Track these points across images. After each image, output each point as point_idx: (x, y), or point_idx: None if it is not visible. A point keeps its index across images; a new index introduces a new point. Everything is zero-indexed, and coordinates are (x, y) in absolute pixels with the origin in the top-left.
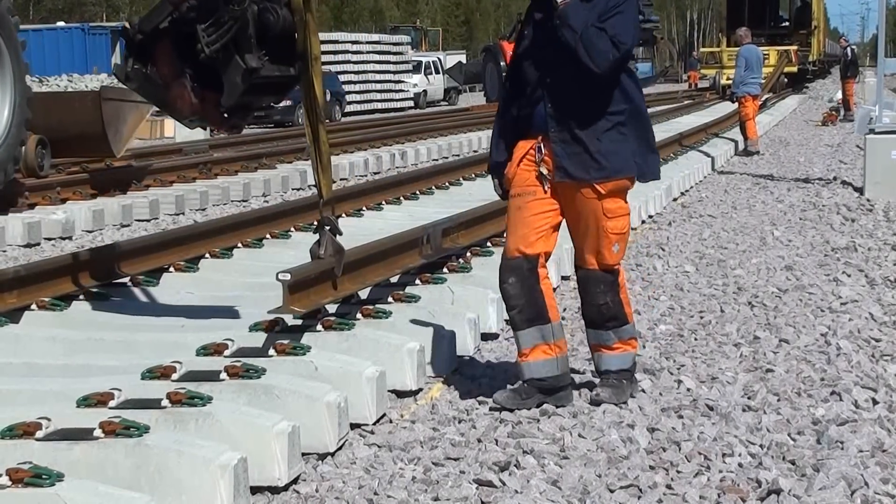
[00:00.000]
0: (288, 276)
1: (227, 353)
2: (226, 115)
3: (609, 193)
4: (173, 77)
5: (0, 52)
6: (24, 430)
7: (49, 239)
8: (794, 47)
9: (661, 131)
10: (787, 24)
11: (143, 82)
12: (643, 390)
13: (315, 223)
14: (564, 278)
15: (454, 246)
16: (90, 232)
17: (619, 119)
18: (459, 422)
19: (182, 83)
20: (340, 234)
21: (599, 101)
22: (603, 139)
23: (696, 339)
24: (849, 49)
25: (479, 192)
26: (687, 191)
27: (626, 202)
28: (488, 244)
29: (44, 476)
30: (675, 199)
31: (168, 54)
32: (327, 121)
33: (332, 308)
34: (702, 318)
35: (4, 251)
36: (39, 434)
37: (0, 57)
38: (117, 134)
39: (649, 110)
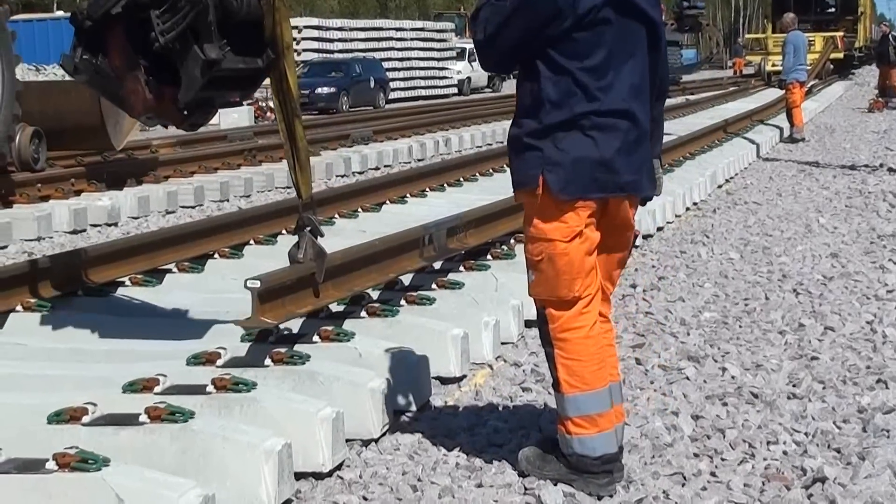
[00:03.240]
0: (258, 284)
1: (271, 339)
2: (185, 112)
3: (525, 206)
4: (126, 69)
5: None
6: (70, 415)
7: (95, 225)
8: (841, 33)
9: (707, 118)
10: (833, 9)
11: (94, 75)
12: (687, 378)
13: (322, 221)
14: None
15: (461, 246)
16: (135, 218)
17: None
18: (503, 409)
19: (136, 77)
20: (321, 235)
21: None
22: (511, 147)
23: (740, 327)
24: (891, 35)
25: None
26: (732, 178)
27: (545, 223)
28: (512, 240)
29: (90, 461)
30: (719, 186)
31: (121, 44)
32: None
33: (374, 294)
34: (746, 305)
35: (51, 237)
36: (86, 419)
37: None
38: (117, 126)
39: (694, 97)
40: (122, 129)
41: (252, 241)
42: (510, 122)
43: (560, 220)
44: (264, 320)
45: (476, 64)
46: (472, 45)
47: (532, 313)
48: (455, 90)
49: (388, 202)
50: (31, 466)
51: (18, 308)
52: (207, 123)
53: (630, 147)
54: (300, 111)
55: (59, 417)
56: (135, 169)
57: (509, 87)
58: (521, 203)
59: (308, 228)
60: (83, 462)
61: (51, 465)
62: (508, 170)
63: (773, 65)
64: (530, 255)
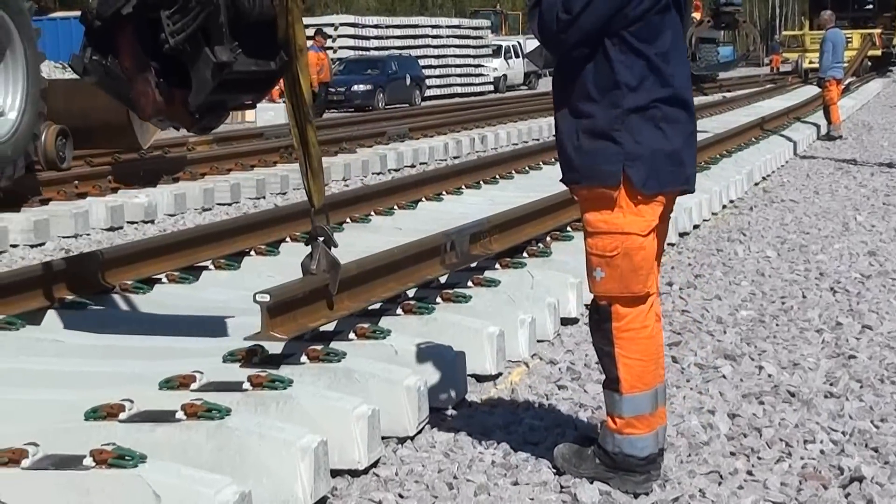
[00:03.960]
0: (267, 298)
1: (307, 336)
2: (196, 116)
3: (585, 200)
4: (136, 71)
5: (12, 41)
6: (107, 412)
7: (132, 222)
8: (878, 30)
9: (743, 115)
10: (871, 6)
11: (103, 76)
12: (724, 376)
13: (324, 227)
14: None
15: (485, 253)
16: (172, 216)
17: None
18: (539, 406)
19: (146, 78)
20: (335, 245)
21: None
22: (581, 134)
23: (777, 325)
24: None
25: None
26: (768, 175)
27: (622, 217)
28: (568, 229)
29: (127, 457)
30: (756, 184)
31: (131, 44)
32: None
33: (411, 293)
34: (783, 303)
35: (88, 234)
36: (123, 415)
37: (12, 45)
38: (143, 125)
39: (731, 94)
40: (149, 128)
41: (288, 239)
42: (553, 116)
43: (637, 213)
44: (274, 335)
45: (512, 61)
46: (507, 43)
47: (568, 311)
48: (491, 87)
49: (424, 199)
50: (69, 463)
51: (56, 305)
52: (219, 126)
53: (690, 139)
54: (313, 116)
55: (95, 414)
56: (171, 166)
57: (545, 84)
58: (577, 197)
59: (321, 238)
60: (120, 458)
61: (88, 461)
62: (561, 163)
63: (811, 62)
64: (601, 250)
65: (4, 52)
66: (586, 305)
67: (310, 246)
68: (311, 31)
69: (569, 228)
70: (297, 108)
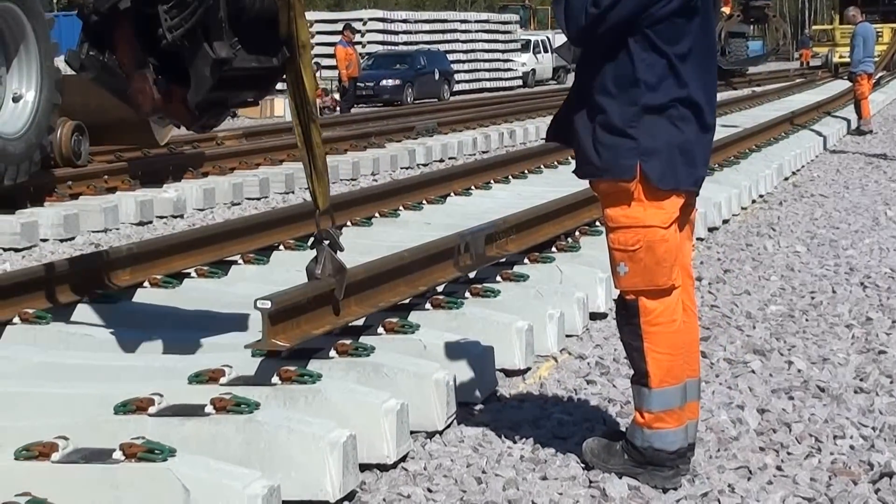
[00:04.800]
0: (268, 305)
1: (336, 331)
2: (196, 113)
3: (605, 195)
4: (134, 67)
5: (24, 31)
6: (137, 406)
7: (161, 217)
8: None
9: (773, 110)
10: None
11: (101, 72)
12: (753, 371)
13: (335, 230)
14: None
15: (501, 254)
16: (201, 210)
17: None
18: (567, 401)
19: (144, 75)
20: (341, 249)
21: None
22: (598, 128)
23: (807, 320)
24: None
25: None
26: (798, 170)
27: (642, 210)
28: (597, 223)
29: (156, 451)
30: (786, 179)
31: (128, 40)
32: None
33: (440, 288)
34: (813, 298)
35: (118, 229)
36: (152, 409)
37: (24, 36)
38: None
39: (760, 89)
40: (166, 124)
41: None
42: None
43: (657, 206)
44: (276, 343)
45: (541, 56)
46: (536, 38)
47: (597, 305)
48: (520, 82)
49: (452, 194)
50: (98, 456)
51: (85, 299)
52: (220, 125)
53: (702, 142)
54: (317, 114)
55: (125, 408)
56: (200, 161)
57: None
58: (597, 192)
59: (327, 242)
60: (149, 452)
61: (118, 455)
62: (577, 157)
63: (841, 56)
64: (623, 245)
65: (18, 44)
66: (615, 300)
67: (315, 250)
68: (340, 26)
69: (598, 223)
70: (301, 106)
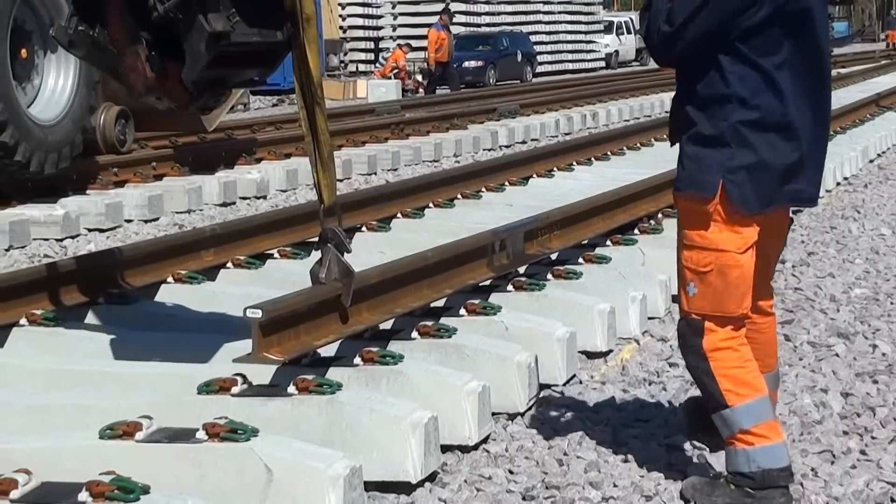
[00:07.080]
0: (258, 314)
1: (417, 312)
2: (192, 93)
3: (683, 212)
4: (126, 42)
5: (61, 14)
6: (220, 386)
7: (244, 198)
8: None
9: (858, 91)
10: None
11: (91, 49)
12: (837, 355)
13: (328, 232)
14: None
15: (542, 252)
16: (284, 191)
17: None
18: (650, 384)
19: (135, 51)
20: (348, 251)
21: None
22: (685, 140)
23: (892, 304)
24: None
25: (671, 153)
26: (884, 152)
27: (717, 233)
28: (660, 214)
29: (239, 431)
30: (871, 161)
31: (119, 13)
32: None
33: (522, 269)
34: None
35: (201, 210)
36: (235, 390)
37: (60, 18)
38: None
39: (846, 70)
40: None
41: (399, 215)
42: (665, 98)
43: (734, 230)
44: (268, 356)
45: (624, 37)
46: (619, 19)
47: None
48: (602, 63)
49: (535, 176)
50: (182, 436)
51: (170, 279)
52: (219, 106)
53: (803, 154)
54: (323, 96)
55: (209, 388)
56: (283, 143)
57: None
58: (678, 208)
59: (332, 242)
60: (232, 432)
61: (201, 434)
62: (679, 158)
63: None
64: (694, 265)
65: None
66: (678, 323)
67: (320, 251)
68: (438, 7)
69: (660, 214)
70: (306, 87)
